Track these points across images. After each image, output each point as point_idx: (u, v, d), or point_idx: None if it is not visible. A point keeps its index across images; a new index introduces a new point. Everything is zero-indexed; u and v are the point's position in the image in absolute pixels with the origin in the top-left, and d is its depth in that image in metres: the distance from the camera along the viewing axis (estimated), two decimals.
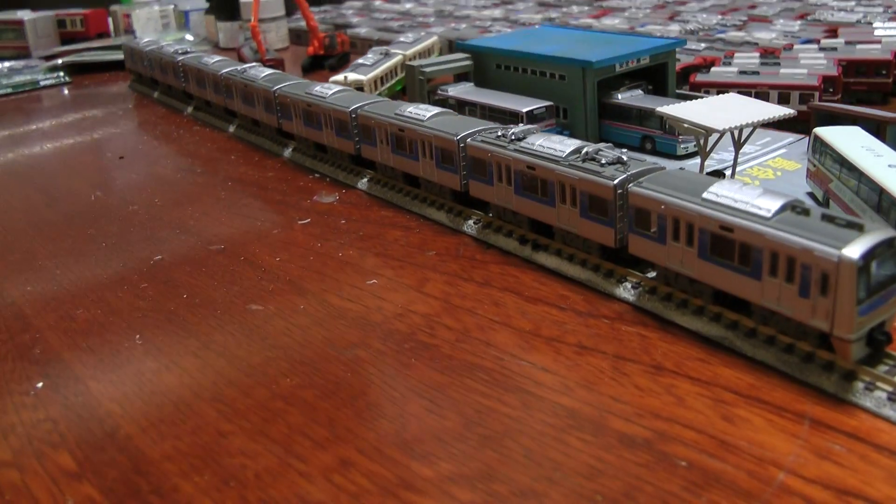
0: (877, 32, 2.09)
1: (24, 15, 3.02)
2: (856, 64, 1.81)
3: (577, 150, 1.09)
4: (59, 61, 2.85)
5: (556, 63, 1.58)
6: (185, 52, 2.14)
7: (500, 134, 1.20)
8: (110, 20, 3.19)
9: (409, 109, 1.37)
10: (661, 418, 0.84)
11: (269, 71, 1.81)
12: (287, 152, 1.73)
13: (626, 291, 1.05)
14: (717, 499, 0.72)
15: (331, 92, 1.55)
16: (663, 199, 0.96)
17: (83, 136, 2.09)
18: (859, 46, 1.92)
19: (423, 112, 1.34)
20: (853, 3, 2.83)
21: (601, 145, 1.08)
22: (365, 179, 1.51)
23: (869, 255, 0.81)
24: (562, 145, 1.11)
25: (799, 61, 1.84)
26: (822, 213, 0.87)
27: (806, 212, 0.88)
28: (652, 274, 1.05)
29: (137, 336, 1.09)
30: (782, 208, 0.88)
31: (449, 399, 0.90)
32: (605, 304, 1.06)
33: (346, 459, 0.80)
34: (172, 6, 3.00)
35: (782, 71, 1.75)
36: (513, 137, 1.17)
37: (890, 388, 0.84)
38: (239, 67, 1.87)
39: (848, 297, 0.81)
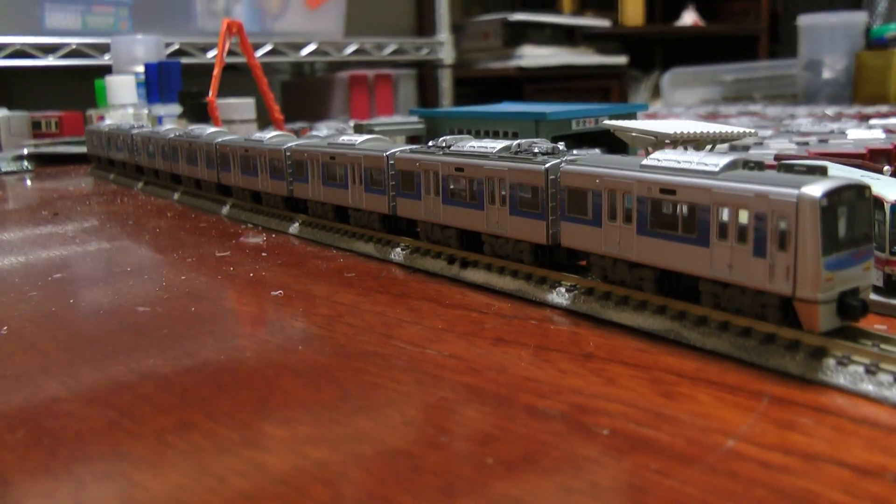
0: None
1: None
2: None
3: (509, 147, 0.97)
4: (25, 151, 2.85)
5: (508, 119, 1.50)
6: (141, 127, 2.08)
7: (430, 145, 1.08)
8: (85, 123, 3.20)
9: (342, 138, 1.27)
10: (583, 395, 0.67)
11: (214, 129, 1.73)
12: (225, 209, 1.61)
13: (559, 296, 0.90)
14: (646, 461, 0.55)
15: (268, 136, 1.46)
16: (598, 171, 0.83)
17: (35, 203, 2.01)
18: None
19: (354, 138, 1.24)
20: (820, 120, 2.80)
21: (536, 139, 0.97)
22: (296, 224, 1.39)
23: (834, 197, 0.67)
24: (493, 143, 0.99)
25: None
26: (783, 166, 0.74)
27: (759, 165, 0.75)
28: (588, 276, 0.90)
29: (5, 328, 0.93)
30: (731, 164, 0.75)
31: (330, 377, 0.75)
32: (536, 309, 0.90)
33: (188, 422, 0.66)
34: (146, 111, 2.98)
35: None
36: (443, 145, 1.06)
37: (867, 360, 0.67)
38: (186, 129, 1.80)
39: (811, 245, 0.66)
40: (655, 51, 4.64)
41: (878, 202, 0.89)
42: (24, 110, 3.20)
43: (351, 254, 1.23)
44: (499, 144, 0.98)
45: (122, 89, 2.99)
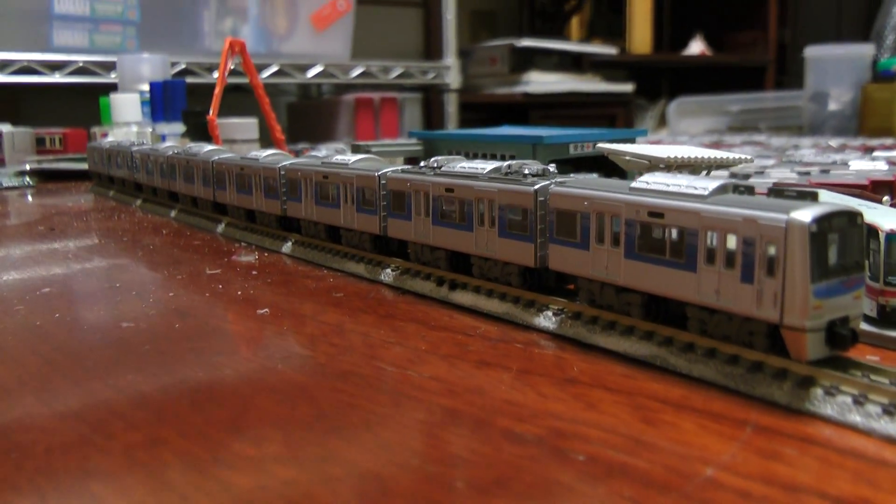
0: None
1: (3, 128, 3.04)
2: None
3: (499, 168, 0.96)
4: (27, 167, 2.85)
5: (505, 142, 1.49)
6: (141, 144, 2.08)
7: (422, 165, 1.07)
8: (89, 140, 3.21)
9: (336, 157, 1.26)
10: (562, 420, 0.65)
11: (211, 147, 1.73)
12: (220, 227, 1.60)
13: (546, 320, 0.88)
14: (620, 488, 0.53)
15: (263, 155, 1.45)
16: (587, 194, 0.82)
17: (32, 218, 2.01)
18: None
19: (348, 158, 1.23)
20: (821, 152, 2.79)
21: (527, 161, 0.96)
22: (289, 243, 1.37)
23: (824, 223, 0.66)
24: (483, 164, 0.98)
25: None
26: (773, 191, 0.72)
27: (749, 190, 0.74)
28: (576, 300, 0.88)
29: None
30: (721, 188, 0.74)
31: (307, 396, 0.73)
32: (522, 333, 0.89)
33: (159, 439, 0.65)
34: (150, 129, 2.99)
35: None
36: (434, 165, 1.05)
37: (855, 391, 0.66)
38: (184, 147, 1.80)
39: (800, 272, 0.65)
40: (662, 79, 4.65)
41: (873, 231, 0.87)
42: (32, 126, 3.21)
43: (342, 274, 1.21)
44: (489, 166, 0.97)
45: (127, 107, 2.99)
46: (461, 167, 1.01)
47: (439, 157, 1.07)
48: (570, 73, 4.28)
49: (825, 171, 1.84)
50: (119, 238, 1.66)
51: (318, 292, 1.11)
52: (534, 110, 4.05)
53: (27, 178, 2.81)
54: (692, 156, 1.00)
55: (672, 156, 0.98)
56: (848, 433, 0.63)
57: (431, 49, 4.13)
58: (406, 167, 1.11)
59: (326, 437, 0.64)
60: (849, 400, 0.65)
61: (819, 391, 0.67)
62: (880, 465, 0.58)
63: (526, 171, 0.92)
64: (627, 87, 4.29)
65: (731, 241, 0.69)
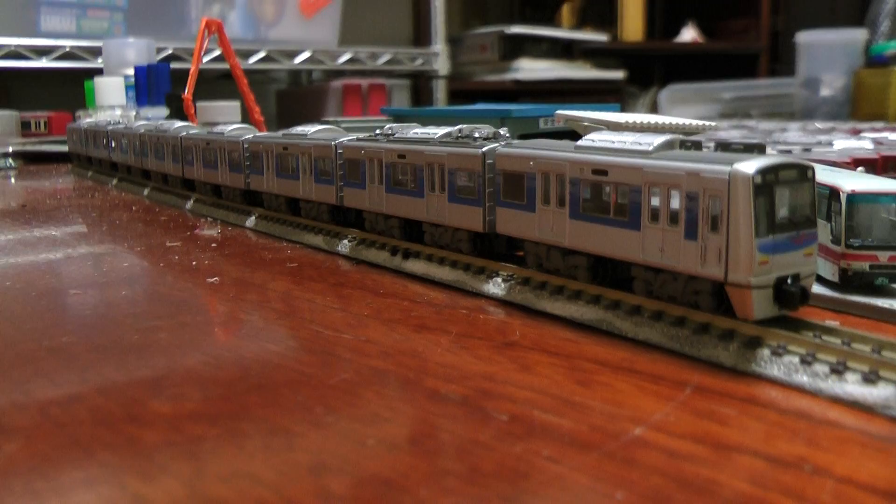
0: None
1: None
2: None
3: (451, 133, 0.93)
4: (10, 149, 2.83)
5: (474, 117, 1.46)
6: (117, 124, 2.05)
7: (377, 133, 1.04)
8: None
9: (297, 129, 1.23)
10: (493, 381, 0.62)
11: (182, 123, 1.70)
12: (189, 204, 1.57)
13: (495, 287, 0.85)
14: (538, 447, 0.50)
15: (229, 129, 1.42)
16: (532, 154, 0.79)
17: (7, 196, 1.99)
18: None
19: (308, 129, 1.20)
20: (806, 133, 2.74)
21: (480, 125, 0.92)
22: (253, 217, 1.34)
23: (770, 174, 0.62)
24: (436, 130, 0.95)
25: None
26: (718, 145, 0.69)
27: (697, 145, 0.70)
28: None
29: None
30: (667, 144, 0.70)
31: (235, 356, 0.71)
32: (471, 299, 0.86)
33: (76, 395, 0.63)
34: (134, 112, 2.96)
35: None
36: (389, 132, 1.02)
37: (803, 350, 0.62)
38: (158, 125, 1.76)
39: (744, 226, 0.61)
40: (655, 67, 4.61)
41: (835, 192, 0.84)
42: (23, 110, 3.20)
43: (301, 246, 1.18)
44: (441, 131, 0.94)
45: (111, 91, 2.96)
46: (414, 133, 0.97)
47: (395, 125, 1.03)
48: (561, 60, 4.24)
49: (807, 150, 1.80)
50: (87, 214, 1.63)
51: (273, 263, 1.08)
52: (524, 97, 4.01)
53: (10, 161, 2.79)
54: (651, 121, 0.96)
55: (630, 121, 0.94)
56: (794, 394, 0.60)
57: (420, 36, 4.10)
58: (362, 136, 1.08)
59: (246, 395, 0.61)
60: (796, 360, 0.62)
61: (766, 352, 0.64)
62: (823, 424, 0.55)
63: (476, 135, 0.89)
64: (618, 75, 4.25)
65: (675, 197, 0.66)
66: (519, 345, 0.70)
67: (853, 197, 0.82)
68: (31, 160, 2.90)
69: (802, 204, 0.66)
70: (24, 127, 3.20)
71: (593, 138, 0.75)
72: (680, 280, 0.68)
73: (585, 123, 0.97)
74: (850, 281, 0.82)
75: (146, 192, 1.81)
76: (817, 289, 0.84)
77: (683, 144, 0.70)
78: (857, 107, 3.25)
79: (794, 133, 2.33)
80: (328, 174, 1.11)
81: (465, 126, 0.91)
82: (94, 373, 0.69)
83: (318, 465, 0.49)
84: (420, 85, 4.10)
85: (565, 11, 4.68)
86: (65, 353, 0.74)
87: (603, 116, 0.96)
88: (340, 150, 1.08)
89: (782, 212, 0.64)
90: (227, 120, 2.75)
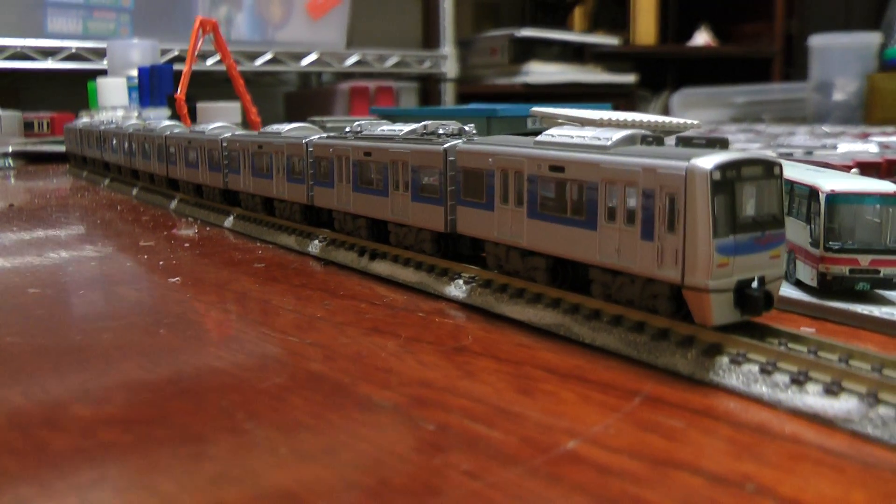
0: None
1: None
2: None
3: (416, 130, 0.89)
4: (10, 149, 2.83)
5: (461, 116, 1.42)
6: (109, 123, 2.03)
7: (346, 131, 1.01)
8: None
9: (272, 127, 1.20)
10: (431, 388, 0.59)
11: (170, 122, 1.67)
12: (173, 204, 1.55)
13: (457, 289, 0.82)
14: (459, 461, 0.46)
15: (210, 128, 1.39)
16: (491, 150, 0.75)
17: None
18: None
19: (283, 127, 1.17)
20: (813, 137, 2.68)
21: (447, 122, 0.89)
22: (231, 217, 1.31)
23: (730, 171, 0.58)
24: (403, 127, 0.92)
25: None
26: (679, 140, 0.65)
27: (658, 140, 0.66)
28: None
29: None
30: (627, 139, 0.67)
31: (172, 359, 0.69)
32: (431, 302, 0.82)
33: (2, 398, 0.61)
34: (136, 113, 2.96)
35: None
36: (357, 130, 0.98)
37: (763, 359, 0.58)
38: (146, 124, 1.74)
39: (702, 225, 0.57)
40: (667, 71, 4.55)
41: (814, 193, 0.80)
42: (30, 111, 3.21)
43: (274, 246, 1.15)
44: (407, 128, 0.90)
45: (113, 91, 2.95)
46: (381, 130, 0.94)
47: (363, 122, 1.00)
48: (572, 63, 4.20)
49: (809, 153, 1.75)
50: (71, 213, 1.61)
51: (241, 263, 1.05)
52: (534, 101, 3.96)
53: (9, 160, 2.78)
54: (630, 119, 0.92)
55: (607, 118, 0.90)
56: (752, 406, 0.56)
57: (429, 38, 4.07)
58: (332, 133, 1.05)
59: (171, 400, 0.58)
60: (755, 369, 0.58)
61: (725, 360, 0.60)
62: (777, 439, 0.51)
63: (440, 132, 0.85)
64: (630, 78, 4.19)
65: (631, 195, 0.62)
66: (468, 350, 0.67)
67: (833, 197, 0.77)
68: (31, 160, 2.90)
69: (768, 202, 0.62)
70: (28, 127, 3.21)
71: (553, 133, 0.71)
72: (637, 283, 0.64)
73: (560, 121, 0.93)
74: (829, 286, 0.78)
75: (135, 191, 1.79)
76: (795, 293, 0.80)
77: (645, 140, 0.66)
78: (870, 111, 3.18)
79: (801, 137, 2.27)
80: (300, 173, 1.08)
81: (430, 122, 0.88)
82: (26, 374, 0.66)
83: (221, 476, 0.46)
84: (428, 88, 4.07)
85: (577, 15, 4.64)
86: (4, 354, 0.71)
87: (579, 114, 0.92)
88: (311, 149, 1.05)
89: (745, 210, 0.60)
90: (228, 121, 2.73)
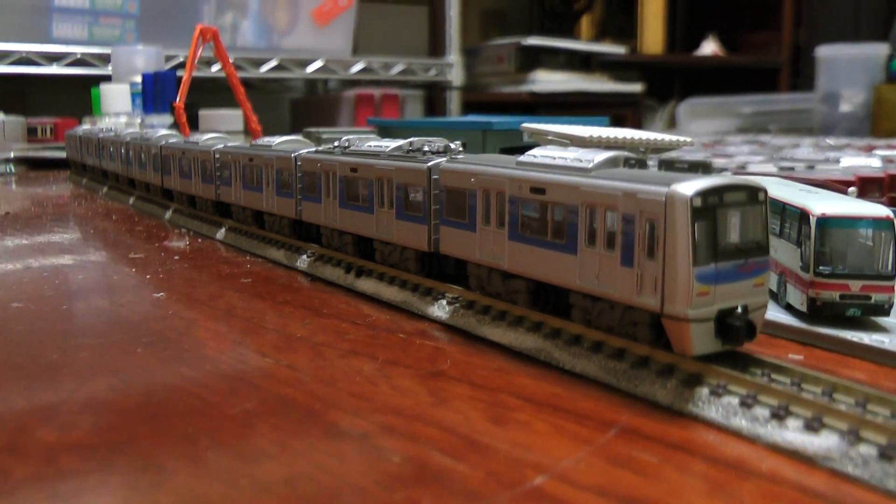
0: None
1: None
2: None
3: (402, 146, 0.88)
4: (11, 155, 2.84)
5: (457, 129, 1.41)
6: (108, 131, 2.02)
7: (335, 145, 1.00)
8: None
9: (263, 140, 1.19)
10: (402, 416, 0.57)
11: (166, 132, 1.66)
12: (167, 214, 1.54)
13: (440, 310, 0.80)
14: (419, 496, 0.45)
15: (204, 138, 1.38)
16: (474, 169, 0.74)
17: None
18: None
19: (274, 139, 1.16)
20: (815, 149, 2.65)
21: (434, 139, 0.88)
22: (223, 230, 1.30)
23: (711, 196, 0.57)
24: (389, 143, 0.90)
25: None
26: (661, 163, 0.64)
27: (641, 163, 0.65)
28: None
29: None
30: (609, 161, 0.65)
31: (146, 380, 0.68)
32: (414, 322, 0.81)
33: None
34: (139, 119, 2.96)
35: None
36: (346, 145, 0.97)
37: (743, 391, 0.57)
38: (143, 133, 1.74)
39: (681, 252, 0.56)
40: (674, 80, 4.53)
41: (805, 216, 0.78)
42: (35, 116, 3.21)
43: (264, 260, 1.14)
44: (394, 144, 0.89)
45: (116, 98, 2.96)
46: (368, 146, 0.93)
47: (352, 136, 0.99)
48: (579, 72, 4.18)
49: (811, 167, 1.73)
50: (65, 223, 1.60)
51: (229, 278, 1.04)
52: (540, 109, 3.95)
53: (11, 167, 2.78)
54: (622, 136, 0.91)
55: (596, 135, 0.89)
56: (731, 440, 0.54)
57: (436, 47, 4.06)
58: (321, 148, 1.04)
59: (137, 425, 0.57)
60: (735, 401, 0.57)
61: (705, 391, 0.58)
62: (753, 477, 0.49)
63: (426, 149, 0.84)
64: (636, 88, 4.18)
65: (612, 219, 0.61)
66: (445, 375, 0.65)
67: (824, 221, 0.76)
68: (33, 166, 2.90)
69: (752, 229, 0.60)
70: (31, 133, 3.21)
71: (535, 154, 0.70)
72: (617, 309, 0.63)
73: (549, 137, 0.92)
74: (818, 311, 0.76)
75: (131, 200, 1.78)
76: (785, 318, 0.78)
77: (627, 162, 0.65)
78: (876, 123, 3.15)
79: (805, 150, 2.25)
80: (288, 187, 1.07)
81: (416, 139, 0.87)
82: None
83: None
84: (434, 96, 4.06)
85: (585, 23, 4.63)
86: None
87: (568, 130, 0.90)
88: (299, 163, 1.04)
89: (727, 237, 0.59)
90: (230, 129, 2.72)
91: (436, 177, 0.79)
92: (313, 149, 1.05)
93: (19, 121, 3.15)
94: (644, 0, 4.45)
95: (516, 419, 0.56)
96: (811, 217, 0.76)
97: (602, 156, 0.65)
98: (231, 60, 3.40)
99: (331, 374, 0.66)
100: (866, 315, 0.76)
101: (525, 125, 0.97)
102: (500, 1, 4.77)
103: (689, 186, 0.56)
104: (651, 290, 0.58)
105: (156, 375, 0.68)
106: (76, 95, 3.44)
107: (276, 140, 1.15)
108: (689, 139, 0.97)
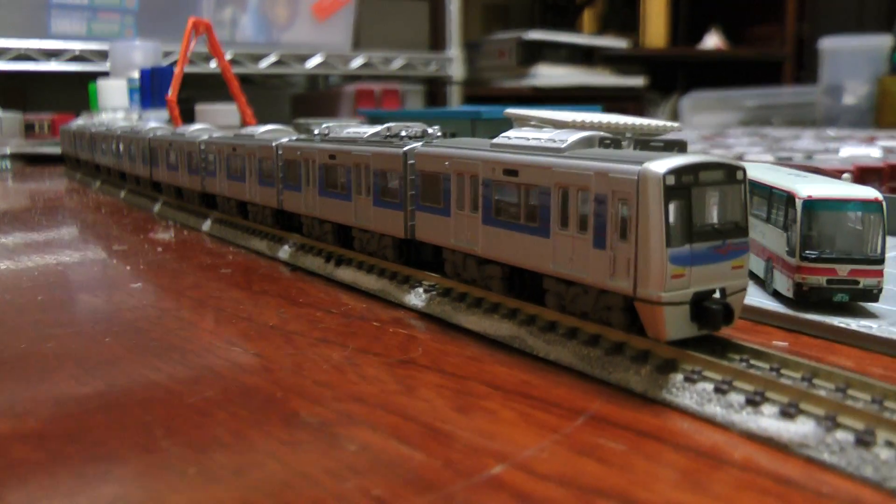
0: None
1: None
2: None
3: (379, 132, 0.86)
4: (7, 151, 2.83)
5: (447, 119, 1.39)
6: (100, 125, 2.01)
7: (315, 133, 0.98)
8: None
9: (247, 129, 1.17)
10: (366, 404, 0.55)
11: (155, 124, 1.65)
12: (156, 207, 1.52)
13: (416, 297, 0.78)
14: (371, 486, 0.43)
15: (192, 129, 1.37)
16: (448, 153, 0.72)
17: None
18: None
19: (257, 129, 1.14)
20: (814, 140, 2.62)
21: (412, 123, 0.86)
22: (208, 221, 1.29)
23: (685, 175, 0.55)
24: (368, 129, 0.88)
25: None
26: (637, 143, 0.62)
27: (616, 143, 0.63)
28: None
29: None
30: (584, 141, 0.63)
31: (108, 373, 0.65)
32: (391, 311, 0.79)
33: None
34: (137, 115, 2.95)
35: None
36: (325, 132, 0.95)
37: (719, 377, 0.55)
38: (132, 126, 1.72)
39: (654, 233, 0.54)
40: (677, 73, 4.50)
41: (791, 199, 0.76)
42: (34, 112, 3.20)
43: (247, 251, 1.12)
44: (372, 130, 0.87)
45: (113, 93, 2.94)
46: (347, 132, 0.91)
47: (332, 124, 0.97)
48: (581, 66, 4.15)
49: (809, 157, 1.71)
50: (53, 216, 1.59)
51: (209, 269, 1.02)
52: (542, 104, 3.93)
53: (7, 163, 2.78)
54: (605, 121, 0.89)
55: (580, 120, 0.87)
56: (705, 427, 0.52)
57: (437, 41, 4.04)
58: (302, 136, 1.02)
59: (94, 414, 0.55)
60: (710, 387, 0.55)
61: (679, 377, 0.56)
62: (724, 465, 0.47)
63: (403, 134, 0.82)
64: (639, 81, 4.15)
65: (584, 200, 0.59)
66: (415, 363, 0.63)
67: (810, 203, 0.73)
68: (30, 162, 2.89)
69: (731, 209, 0.58)
70: (29, 129, 3.20)
71: (510, 135, 0.68)
72: (591, 294, 0.61)
73: (533, 122, 0.89)
74: (805, 297, 0.74)
75: (123, 194, 1.77)
76: (772, 304, 0.76)
77: (602, 142, 0.63)
78: (880, 115, 3.12)
79: (806, 140, 2.23)
80: (270, 176, 1.05)
81: (394, 124, 0.85)
82: None
83: (119, 499, 0.43)
84: (435, 90, 4.04)
85: (587, 17, 4.60)
86: None
87: (552, 115, 0.88)
88: (280, 152, 1.02)
89: (703, 218, 0.56)
90: (226, 123, 2.71)
91: (412, 161, 0.77)
92: (294, 137, 1.03)
93: (17, 117, 3.15)
94: None
95: (483, 407, 0.54)
96: (797, 200, 0.74)
97: (576, 136, 0.63)
98: (230, 55, 3.39)
99: (298, 362, 0.64)
100: (854, 300, 0.74)
101: (508, 111, 0.95)
102: None
103: (662, 164, 0.54)
104: (624, 273, 0.56)
105: (120, 364, 0.66)
106: (75, 91, 3.43)
107: (260, 129, 1.13)
108: (675, 124, 0.94)
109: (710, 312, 0.56)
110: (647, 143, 0.60)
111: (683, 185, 0.55)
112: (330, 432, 0.50)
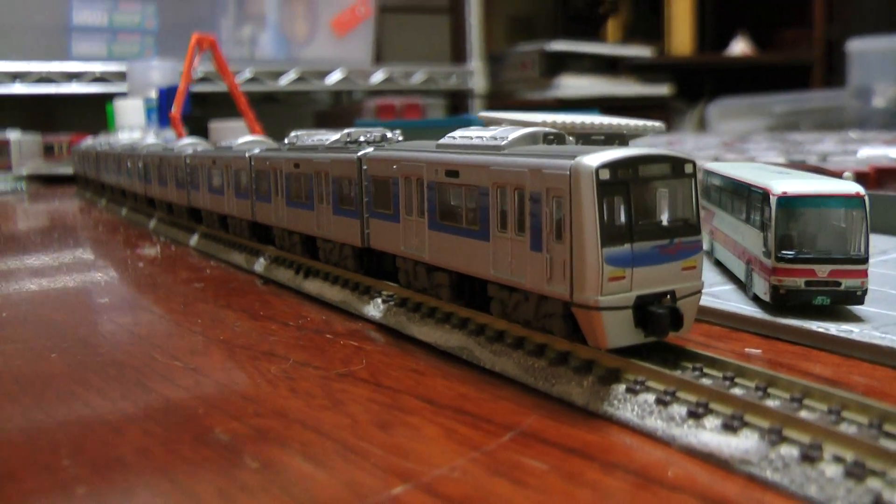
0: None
1: (11, 135, 3.06)
2: None
3: (339, 139, 0.83)
4: (24, 172, 2.87)
5: (440, 128, 1.36)
6: (105, 144, 2.01)
7: (285, 142, 0.96)
8: None
9: (228, 141, 1.15)
10: (286, 419, 0.52)
11: (154, 141, 1.64)
12: (152, 223, 1.51)
13: (375, 308, 0.75)
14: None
15: (180, 143, 1.35)
16: (396, 156, 0.69)
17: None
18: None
19: (236, 140, 1.12)
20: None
21: (373, 129, 0.83)
22: (195, 236, 1.27)
23: (623, 169, 0.51)
24: (332, 135, 0.86)
25: None
26: (579, 137, 0.58)
27: (560, 138, 0.59)
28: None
29: None
30: (526, 138, 0.60)
31: (39, 390, 0.63)
32: (349, 323, 0.76)
33: None
34: (153, 133, 2.98)
35: None
36: (294, 141, 0.93)
37: (661, 387, 0.51)
38: (132, 143, 1.72)
39: (588, 232, 0.50)
40: (704, 81, 4.42)
41: (765, 195, 0.71)
42: (53, 133, 3.24)
43: (226, 265, 1.10)
44: (336, 136, 0.84)
45: (130, 112, 2.97)
46: (312, 140, 0.88)
47: (301, 132, 0.95)
48: (606, 75, 4.10)
49: (823, 159, 1.65)
50: (49, 234, 1.58)
51: (182, 283, 1.00)
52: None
53: (22, 184, 2.82)
54: (579, 122, 0.85)
55: (550, 120, 0.83)
56: (645, 442, 0.48)
57: (458, 55, 4.02)
58: (274, 145, 1.00)
59: (8, 432, 0.53)
60: (651, 399, 0.50)
61: (622, 388, 0.52)
62: (655, 485, 0.43)
63: (361, 139, 0.79)
64: (663, 90, 4.08)
65: (520, 200, 0.55)
66: (353, 376, 0.60)
67: (784, 200, 0.69)
68: (46, 183, 2.93)
69: (681, 206, 0.54)
70: (48, 150, 3.24)
71: (455, 135, 0.65)
72: (532, 300, 0.57)
73: (504, 125, 0.86)
74: (783, 300, 0.69)
75: (124, 211, 1.76)
76: (748, 309, 0.72)
77: (546, 138, 0.59)
78: None
79: (827, 143, 2.16)
80: (245, 189, 1.03)
81: (355, 129, 0.82)
82: None
83: None
84: (457, 103, 4.02)
85: (611, 26, 4.55)
86: None
87: (523, 117, 0.85)
88: (253, 163, 1.00)
89: (646, 215, 0.52)
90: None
91: (366, 167, 0.74)
92: (266, 147, 1.01)
93: (35, 139, 3.19)
94: (671, 0, 4.36)
95: (407, 423, 0.51)
96: (771, 196, 0.69)
97: (518, 132, 0.59)
98: (249, 73, 3.40)
99: (232, 377, 0.61)
100: (837, 303, 0.69)
101: (482, 114, 0.91)
102: (525, 6, 4.72)
103: (596, 158, 0.50)
104: (561, 277, 0.52)
105: (54, 381, 0.64)
106: (97, 112, 3.48)
107: (239, 140, 1.11)
108: (657, 124, 0.90)
109: (656, 317, 0.52)
110: (588, 136, 0.56)
111: (620, 179, 0.51)
112: (237, 450, 0.47)
